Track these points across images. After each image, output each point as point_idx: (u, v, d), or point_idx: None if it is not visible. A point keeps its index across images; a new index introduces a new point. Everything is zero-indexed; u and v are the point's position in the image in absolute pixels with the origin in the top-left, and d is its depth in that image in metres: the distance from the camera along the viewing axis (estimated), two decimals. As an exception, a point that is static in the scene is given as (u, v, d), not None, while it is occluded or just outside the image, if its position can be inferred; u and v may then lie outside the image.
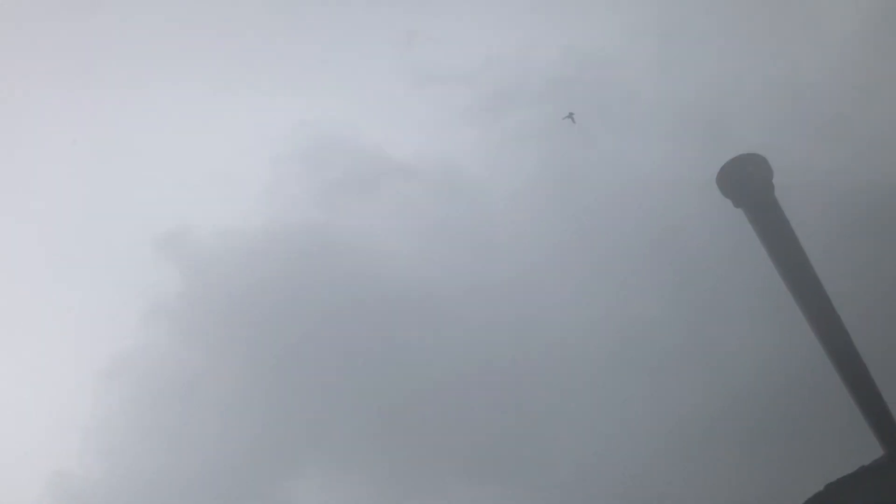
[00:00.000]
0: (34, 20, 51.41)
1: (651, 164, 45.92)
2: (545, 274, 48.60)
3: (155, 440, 50.81)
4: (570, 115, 38.54)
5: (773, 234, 5.05)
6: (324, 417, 51.02)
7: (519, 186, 50.97)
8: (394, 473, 49.69)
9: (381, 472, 50.13)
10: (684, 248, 45.30)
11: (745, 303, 44.13)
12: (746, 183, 5.01)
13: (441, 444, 49.14)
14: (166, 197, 55.89)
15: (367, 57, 55.13)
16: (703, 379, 45.90)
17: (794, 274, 5.20)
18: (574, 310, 47.43)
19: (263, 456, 50.75)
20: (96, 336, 56.99)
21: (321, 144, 55.15)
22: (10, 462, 51.07)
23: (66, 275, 56.93)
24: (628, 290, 45.88)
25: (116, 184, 58.22)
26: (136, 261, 54.95)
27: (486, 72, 52.61)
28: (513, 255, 48.32)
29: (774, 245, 5.08)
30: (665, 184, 45.81)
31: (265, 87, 53.30)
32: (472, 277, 49.52)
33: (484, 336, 48.67)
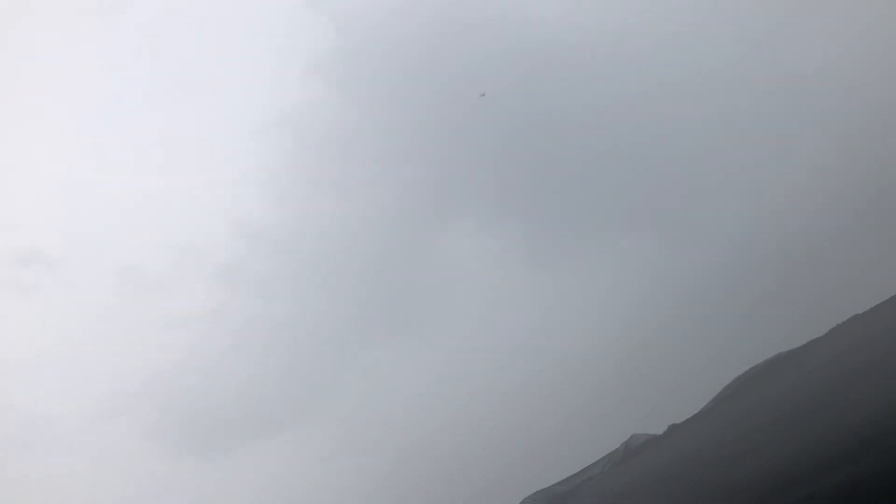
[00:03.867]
0: None
1: None
2: (704, 26, 44.90)
3: (320, 189, 54.90)
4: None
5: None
6: (478, 166, 52.96)
7: None
8: (546, 219, 52.35)
9: (534, 219, 52.90)
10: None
11: None
12: None
13: (591, 196, 50.65)
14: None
15: None
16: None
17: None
18: (740, 51, 44.13)
19: (422, 202, 54.20)
20: (260, 94, 59.15)
21: None
22: (197, 211, 56.83)
23: (227, 38, 57.65)
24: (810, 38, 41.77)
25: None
26: (289, 19, 54.47)
27: None
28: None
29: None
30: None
31: None
32: (628, 24, 46.63)
33: (640, 87, 47.00)
